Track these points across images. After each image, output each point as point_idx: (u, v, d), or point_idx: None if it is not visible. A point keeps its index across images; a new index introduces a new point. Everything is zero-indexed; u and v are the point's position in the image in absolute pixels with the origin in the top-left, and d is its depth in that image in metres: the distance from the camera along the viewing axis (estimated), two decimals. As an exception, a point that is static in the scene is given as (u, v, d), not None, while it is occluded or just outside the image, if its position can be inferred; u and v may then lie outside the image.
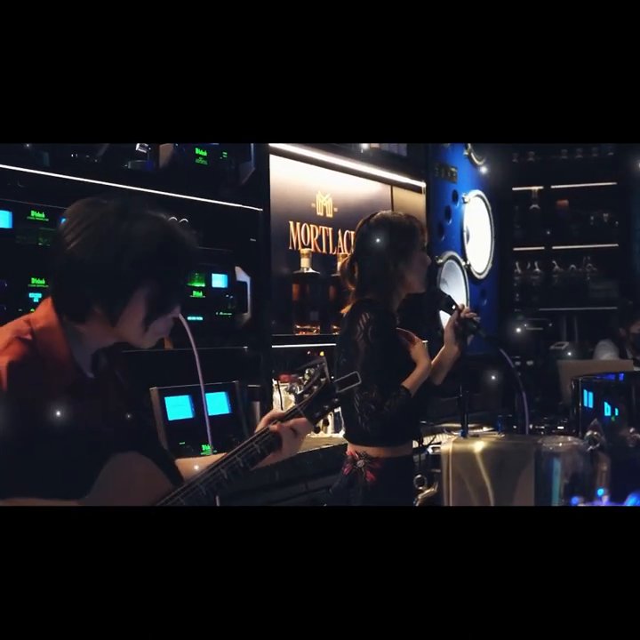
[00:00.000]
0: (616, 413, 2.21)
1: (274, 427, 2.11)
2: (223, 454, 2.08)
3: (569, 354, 6.48)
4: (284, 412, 2.17)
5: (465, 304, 4.56)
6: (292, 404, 2.20)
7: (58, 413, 1.89)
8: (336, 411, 2.23)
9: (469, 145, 5.90)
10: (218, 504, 2.18)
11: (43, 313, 1.96)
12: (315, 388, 2.16)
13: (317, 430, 2.25)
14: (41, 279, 2.71)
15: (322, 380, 2.16)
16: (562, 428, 3.35)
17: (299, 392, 2.20)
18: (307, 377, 2.24)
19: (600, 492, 2.05)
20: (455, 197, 5.69)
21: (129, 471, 1.97)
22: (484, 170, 6.09)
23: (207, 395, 3.04)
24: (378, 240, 3.15)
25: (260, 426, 2.16)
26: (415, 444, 3.15)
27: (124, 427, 2.07)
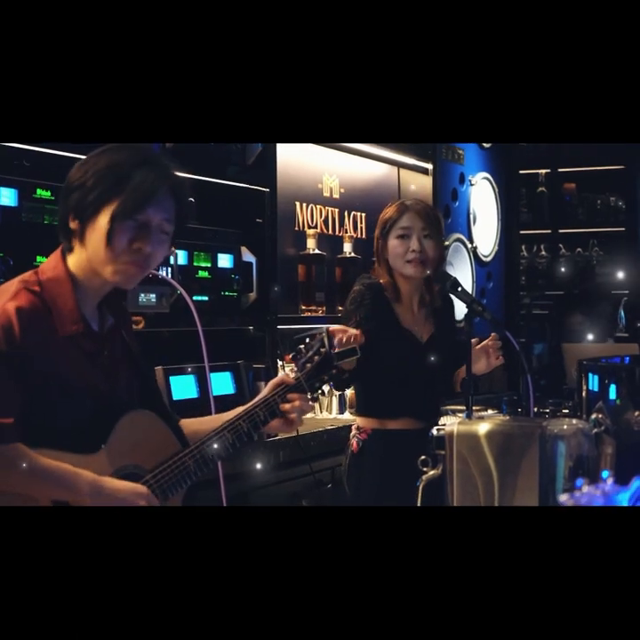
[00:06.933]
0: (621, 396, 2.21)
1: (293, 396, 2.17)
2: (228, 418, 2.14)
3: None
4: (291, 379, 2.21)
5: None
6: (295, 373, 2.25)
7: (68, 363, 1.94)
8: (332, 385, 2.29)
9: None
10: (223, 495, 2.25)
11: (51, 264, 2.01)
12: (316, 357, 2.23)
13: (315, 400, 2.32)
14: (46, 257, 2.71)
15: (322, 350, 2.23)
16: (567, 410, 3.35)
17: (301, 361, 2.24)
18: (304, 346, 2.27)
19: (605, 474, 2.04)
20: (462, 179, 5.66)
21: (143, 429, 2.04)
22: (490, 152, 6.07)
23: (212, 375, 3.04)
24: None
25: (266, 391, 2.20)
26: (421, 423, 3.09)
27: (134, 386, 2.12)
